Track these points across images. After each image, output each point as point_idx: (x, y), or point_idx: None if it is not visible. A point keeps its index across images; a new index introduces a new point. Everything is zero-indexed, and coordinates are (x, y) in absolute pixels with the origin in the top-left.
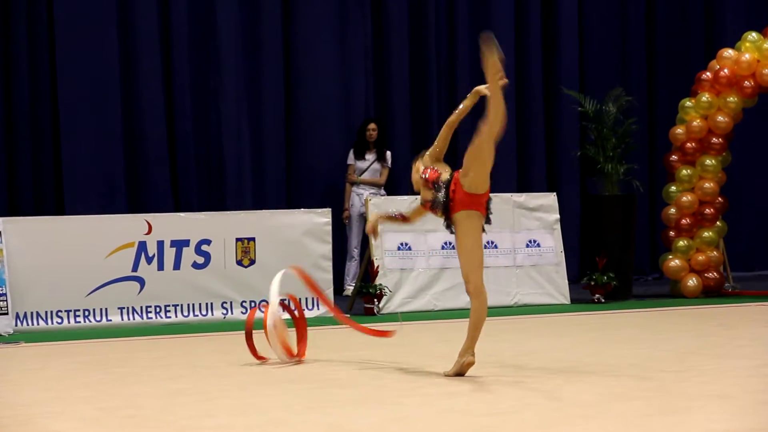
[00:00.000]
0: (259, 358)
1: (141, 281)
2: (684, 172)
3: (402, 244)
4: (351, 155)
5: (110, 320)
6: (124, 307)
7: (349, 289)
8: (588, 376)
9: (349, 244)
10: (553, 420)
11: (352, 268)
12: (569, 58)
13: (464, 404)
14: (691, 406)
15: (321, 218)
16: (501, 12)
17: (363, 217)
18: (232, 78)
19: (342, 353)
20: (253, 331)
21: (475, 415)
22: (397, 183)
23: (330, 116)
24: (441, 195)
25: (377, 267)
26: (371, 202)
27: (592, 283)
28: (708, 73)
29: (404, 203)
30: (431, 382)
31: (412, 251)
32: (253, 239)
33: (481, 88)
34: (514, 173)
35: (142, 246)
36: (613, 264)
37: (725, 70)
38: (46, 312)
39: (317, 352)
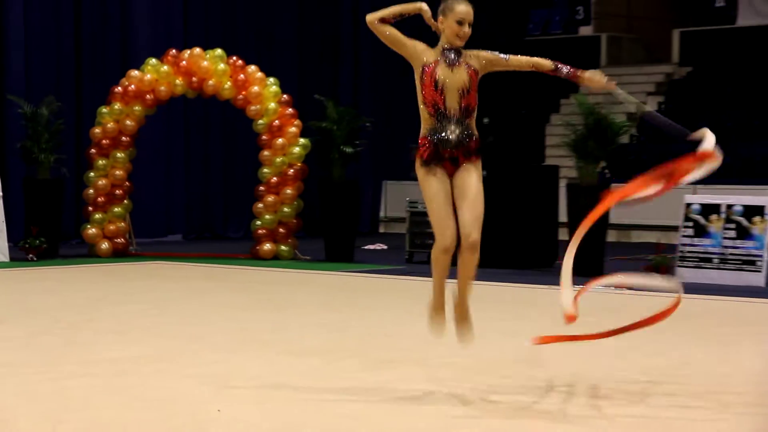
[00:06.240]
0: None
1: None
2: (100, 162)
3: None
4: None
5: None
6: None
7: None
8: None
9: None
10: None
11: None
12: (17, 68)
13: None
14: (96, 340)
15: None
16: None
17: None
18: None
19: None
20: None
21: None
22: None
23: None
24: None
25: None
26: None
27: (27, 245)
28: (120, 87)
29: None
30: None
31: None
32: None
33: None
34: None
35: None
36: (45, 231)
37: (132, 86)
38: None
39: None
